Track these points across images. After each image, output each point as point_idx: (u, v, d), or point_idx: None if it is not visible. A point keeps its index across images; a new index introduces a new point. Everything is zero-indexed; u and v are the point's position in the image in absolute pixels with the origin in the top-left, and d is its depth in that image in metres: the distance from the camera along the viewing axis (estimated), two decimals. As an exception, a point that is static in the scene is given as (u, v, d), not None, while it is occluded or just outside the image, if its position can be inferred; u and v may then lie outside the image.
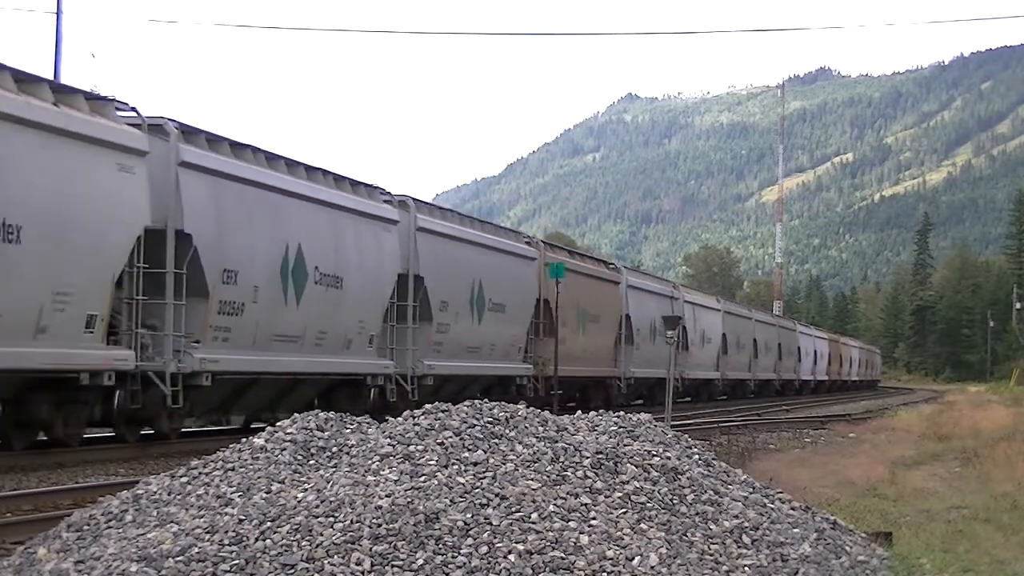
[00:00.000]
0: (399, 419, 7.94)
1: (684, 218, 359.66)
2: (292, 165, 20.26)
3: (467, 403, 8.07)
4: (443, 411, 7.90)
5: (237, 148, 18.84)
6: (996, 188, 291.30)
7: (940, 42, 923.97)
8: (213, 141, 18.26)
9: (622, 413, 9.14)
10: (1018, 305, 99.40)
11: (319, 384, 21.28)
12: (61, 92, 15.42)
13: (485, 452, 7.21)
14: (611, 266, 39.76)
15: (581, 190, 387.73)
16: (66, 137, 14.89)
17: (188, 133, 17.69)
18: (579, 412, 9.11)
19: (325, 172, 21.44)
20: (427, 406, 8.11)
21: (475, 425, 7.60)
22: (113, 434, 17.97)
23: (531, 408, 8.44)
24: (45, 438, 16.16)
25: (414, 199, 24.66)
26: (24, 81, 14.61)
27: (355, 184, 22.45)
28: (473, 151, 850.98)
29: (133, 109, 16.98)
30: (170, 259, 16.83)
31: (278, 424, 8.22)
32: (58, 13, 31.40)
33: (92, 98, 16.02)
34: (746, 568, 6.65)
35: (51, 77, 24.53)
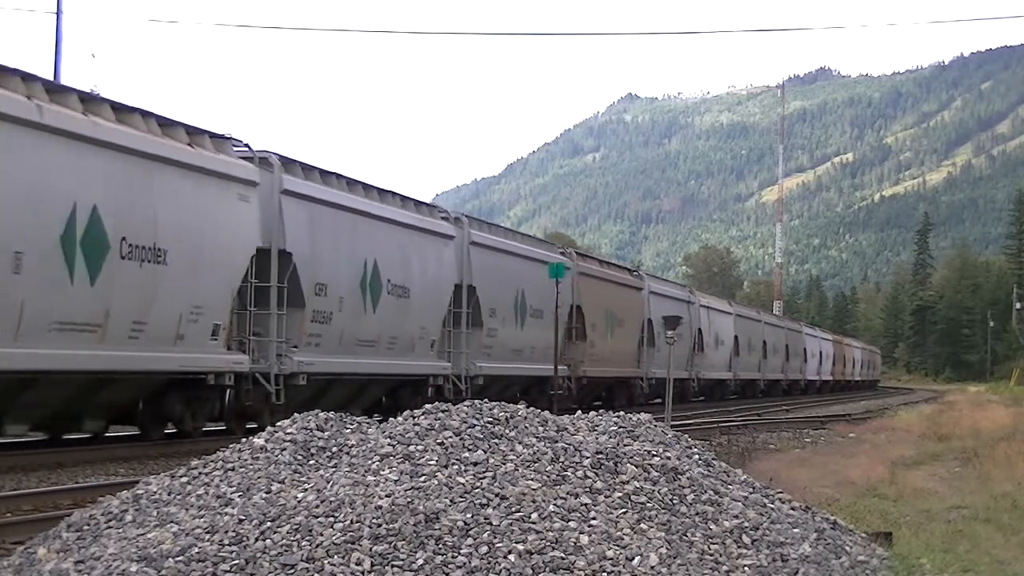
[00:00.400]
0: (399, 419, 7.94)
1: (684, 218, 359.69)
2: (367, 188, 22.76)
3: (467, 403, 8.08)
4: (443, 411, 7.90)
5: (325, 175, 21.27)
6: (996, 188, 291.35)
7: (940, 42, 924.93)
8: (306, 170, 20.71)
9: (622, 413, 9.14)
10: (1018, 305, 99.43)
11: (388, 384, 23.61)
12: (193, 133, 17.74)
13: (485, 452, 7.21)
14: (635, 273, 41.94)
15: (581, 190, 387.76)
16: (199, 173, 17.40)
17: (287, 164, 20.10)
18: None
19: (394, 194, 23.93)
20: (427, 406, 8.12)
21: (475, 425, 7.60)
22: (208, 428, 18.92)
23: (531, 408, 8.44)
24: (174, 430, 18.39)
25: (468, 216, 27.69)
26: (165, 125, 17.10)
27: (418, 204, 25.06)
28: (473, 151, 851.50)
29: (246, 145, 19.34)
30: (274, 275, 19.22)
31: (278, 424, 8.22)
32: (58, 13, 31.44)
33: (215, 136, 18.35)
34: (746, 568, 6.65)
35: (51, 77, 24.55)
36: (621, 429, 8.62)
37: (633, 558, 6.32)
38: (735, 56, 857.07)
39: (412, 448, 7.21)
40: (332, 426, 8.19)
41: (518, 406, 8.34)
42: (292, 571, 5.84)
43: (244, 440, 7.96)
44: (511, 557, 6.09)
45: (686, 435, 9.16)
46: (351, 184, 22.09)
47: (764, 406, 43.55)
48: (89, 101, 15.76)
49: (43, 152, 14.32)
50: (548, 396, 28.95)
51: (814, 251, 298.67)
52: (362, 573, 5.85)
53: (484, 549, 6.13)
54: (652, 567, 6.28)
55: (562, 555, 6.18)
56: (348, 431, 8.11)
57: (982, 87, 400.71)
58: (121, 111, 16.15)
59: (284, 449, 7.66)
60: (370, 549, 6.00)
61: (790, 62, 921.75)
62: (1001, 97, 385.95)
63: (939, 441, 22.42)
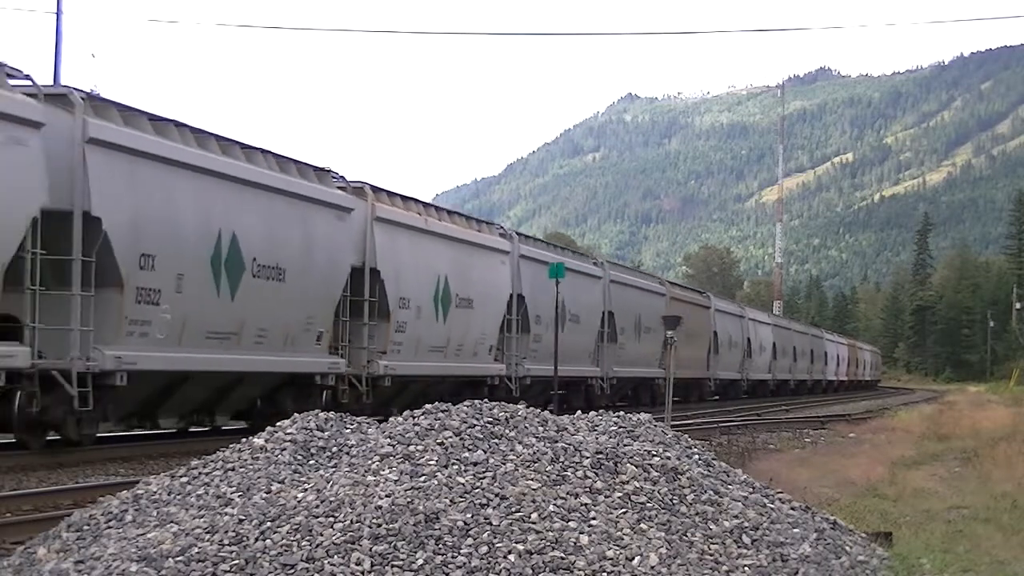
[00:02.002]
0: (399, 419, 7.94)
1: (684, 218, 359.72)
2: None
3: (467, 403, 8.07)
4: (443, 411, 7.90)
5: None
6: (996, 188, 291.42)
7: (940, 42, 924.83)
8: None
9: (622, 413, 9.15)
10: (1018, 305, 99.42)
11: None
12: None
13: (485, 452, 7.21)
14: (704, 295, 49.75)
15: (581, 190, 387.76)
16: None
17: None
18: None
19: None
20: (427, 406, 8.12)
21: (475, 425, 7.60)
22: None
23: (531, 408, 8.44)
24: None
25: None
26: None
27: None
28: (473, 151, 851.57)
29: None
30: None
31: (278, 424, 8.22)
32: (58, 13, 31.45)
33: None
34: (746, 568, 6.65)
35: (51, 77, 24.60)
36: (621, 429, 8.63)
37: (633, 558, 6.32)
38: (735, 56, 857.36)
39: (412, 448, 7.21)
40: (332, 426, 8.19)
41: (518, 406, 8.34)
42: (292, 571, 5.84)
43: (244, 440, 7.96)
44: (511, 557, 6.09)
45: (686, 435, 9.16)
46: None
47: (764, 406, 43.57)
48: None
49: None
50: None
51: (814, 251, 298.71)
52: (362, 573, 5.85)
53: (484, 549, 6.13)
54: (652, 567, 6.28)
55: (562, 555, 6.17)
56: (348, 431, 8.11)
57: (982, 87, 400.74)
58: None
59: (284, 449, 7.66)
60: (370, 549, 6.00)
61: (790, 62, 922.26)
62: (1001, 97, 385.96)
63: (939, 441, 22.40)
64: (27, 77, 16.06)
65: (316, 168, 20.90)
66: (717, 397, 48.77)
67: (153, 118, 16.86)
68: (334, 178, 21.47)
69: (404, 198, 24.07)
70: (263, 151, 19.45)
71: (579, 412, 9.32)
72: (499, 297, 27.71)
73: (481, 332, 26.72)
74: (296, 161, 20.39)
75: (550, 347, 29.56)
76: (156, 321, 16.32)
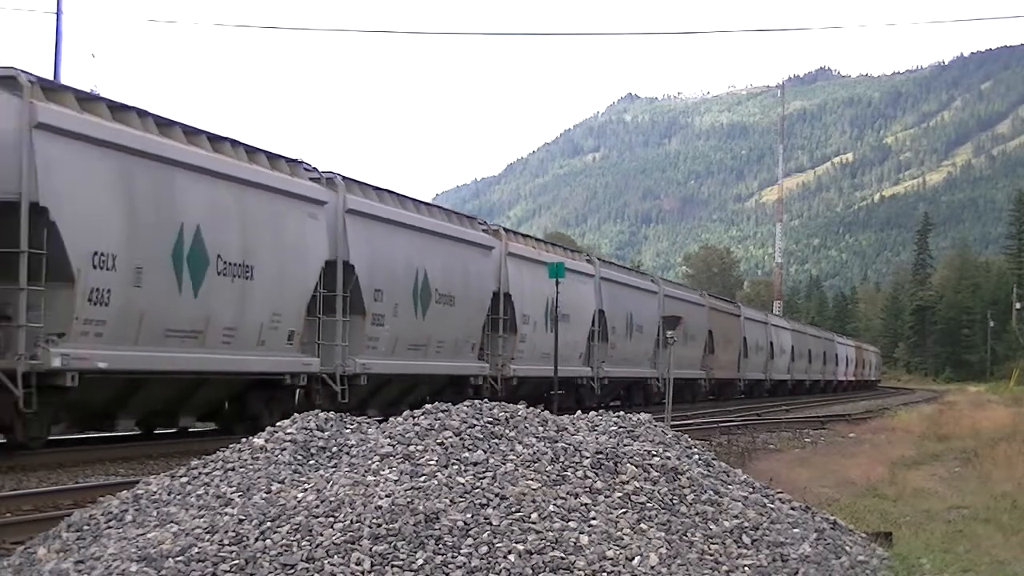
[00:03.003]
0: (399, 419, 7.94)
1: (684, 218, 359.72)
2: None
3: (467, 403, 8.07)
4: (443, 411, 7.90)
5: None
6: (996, 188, 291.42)
7: (940, 42, 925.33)
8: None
9: (622, 413, 9.14)
10: (1018, 305, 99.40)
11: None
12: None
13: (485, 452, 7.21)
14: (734, 303, 55.04)
15: (581, 190, 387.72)
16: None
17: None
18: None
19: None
20: (427, 406, 8.12)
21: (475, 425, 7.59)
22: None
23: (531, 408, 8.44)
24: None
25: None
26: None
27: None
28: (473, 151, 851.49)
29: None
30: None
31: (278, 424, 8.22)
32: (58, 13, 31.44)
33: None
34: (746, 568, 6.65)
35: (51, 77, 24.58)
36: (621, 429, 8.62)
37: (633, 558, 6.32)
38: (735, 56, 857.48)
39: (412, 448, 7.20)
40: (332, 426, 8.19)
41: (518, 406, 8.33)
42: (292, 571, 5.84)
43: (244, 440, 7.96)
44: (511, 557, 6.09)
45: (686, 435, 9.16)
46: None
47: (765, 406, 43.56)
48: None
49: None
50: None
51: (814, 251, 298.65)
52: (362, 573, 5.85)
53: (484, 549, 6.13)
54: (652, 567, 6.28)
55: (562, 555, 6.17)
56: (348, 431, 8.11)
57: (982, 87, 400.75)
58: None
59: (284, 449, 7.66)
60: (370, 549, 6.00)
61: (790, 62, 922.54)
62: (1001, 97, 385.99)
63: (939, 441, 22.39)
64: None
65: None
66: (743, 396, 54.00)
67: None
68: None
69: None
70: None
71: (579, 412, 9.32)
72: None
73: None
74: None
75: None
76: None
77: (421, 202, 25.14)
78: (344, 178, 21.64)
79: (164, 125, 17.09)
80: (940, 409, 38.66)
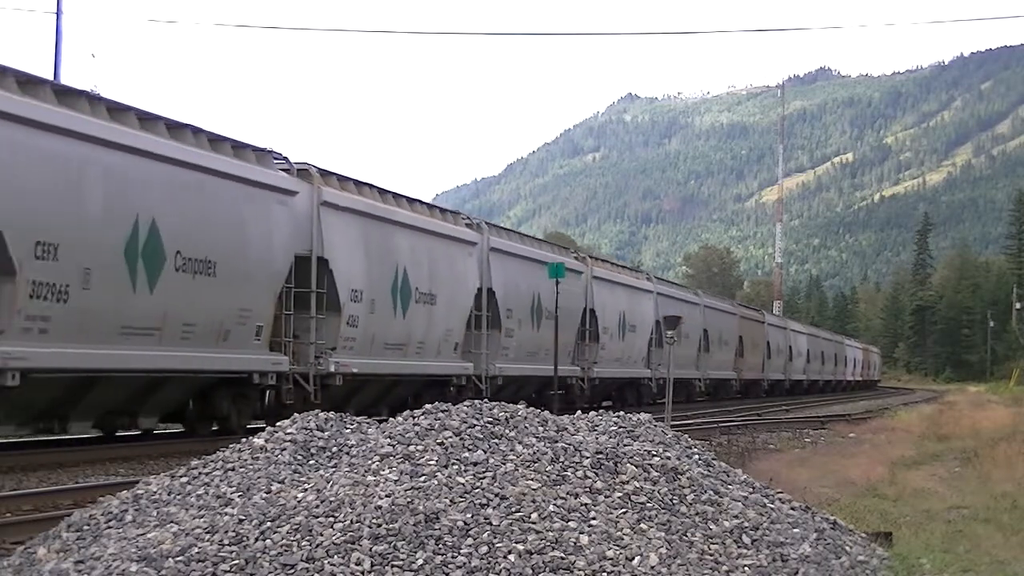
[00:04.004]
0: (399, 419, 7.94)
1: (684, 218, 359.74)
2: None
3: (467, 403, 8.07)
4: (443, 411, 7.90)
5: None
6: (996, 188, 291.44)
7: (940, 42, 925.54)
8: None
9: (622, 413, 9.14)
10: (1018, 305, 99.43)
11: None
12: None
13: (485, 452, 7.21)
14: (759, 311, 60.18)
15: (581, 190, 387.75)
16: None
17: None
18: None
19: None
20: (427, 406, 8.12)
21: (475, 425, 7.59)
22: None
23: (531, 408, 8.44)
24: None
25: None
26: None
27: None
28: (473, 151, 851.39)
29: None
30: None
31: (278, 424, 8.22)
32: (58, 13, 31.45)
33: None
34: (746, 568, 6.65)
35: (51, 77, 24.58)
36: (621, 429, 8.62)
37: (633, 558, 6.32)
38: (735, 56, 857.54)
39: (412, 448, 7.20)
40: (332, 426, 8.19)
41: (518, 406, 8.34)
42: (292, 571, 5.84)
43: (244, 440, 7.96)
44: (511, 557, 6.09)
45: (686, 435, 9.16)
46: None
47: (765, 406, 43.56)
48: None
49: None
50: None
51: (814, 251, 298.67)
52: (362, 573, 5.85)
53: (484, 549, 6.13)
54: (652, 567, 6.28)
55: (562, 555, 6.17)
56: (348, 431, 8.11)
57: (982, 87, 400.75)
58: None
59: (284, 449, 7.66)
60: (370, 549, 6.00)
61: (790, 62, 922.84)
62: (1001, 97, 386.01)
63: (939, 441, 22.39)
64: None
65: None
66: (765, 394, 58.32)
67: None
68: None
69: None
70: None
71: (579, 412, 9.32)
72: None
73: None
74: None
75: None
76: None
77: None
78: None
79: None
80: (940, 409, 38.65)
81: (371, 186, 22.67)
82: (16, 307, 14.09)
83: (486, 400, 8.30)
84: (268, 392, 19.39)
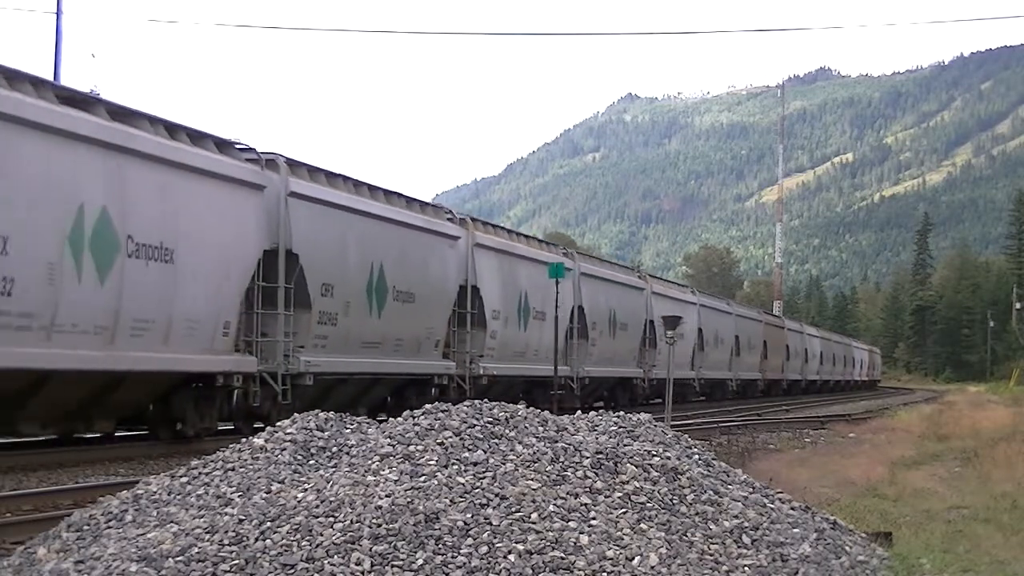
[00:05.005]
0: (399, 419, 7.94)
1: (684, 218, 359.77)
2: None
3: (467, 403, 8.07)
4: (443, 411, 7.90)
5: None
6: (996, 188, 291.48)
7: (940, 42, 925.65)
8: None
9: (622, 413, 9.14)
10: (1018, 305, 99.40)
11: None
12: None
13: (485, 452, 7.21)
14: (779, 317, 66.93)
15: (581, 190, 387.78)
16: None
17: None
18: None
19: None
20: (427, 406, 8.12)
21: (475, 425, 7.59)
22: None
23: (531, 408, 8.44)
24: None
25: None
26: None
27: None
28: (473, 151, 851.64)
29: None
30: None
31: (278, 424, 8.22)
32: (58, 13, 31.43)
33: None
34: (746, 568, 6.65)
35: (51, 77, 24.56)
36: (621, 429, 8.62)
37: (633, 558, 6.32)
38: (735, 56, 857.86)
39: (412, 448, 7.20)
40: (332, 426, 8.19)
41: (518, 406, 8.34)
42: (292, 571, 5.84)
43: (244, 440, 7.96)
44: (511, 557, 6.09)
45: (686, 435, 9.16)
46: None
47: (765, 406, 43.57)
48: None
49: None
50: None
51: (814, 251, 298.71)
52: (362, 573, 5.85)
53: (484, 549, 6.13)
54: (652, 567, 6.28)
55: (562, 555, 6.17)
56: (348, 431, 8.11)
57: (982, 87, 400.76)
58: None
59: (284, 449, 7.66)
60: (370, 549, 6.00)
61: (790, 62, 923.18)
62: (1001, 97, 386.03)
63: (939, 441, 22.39)
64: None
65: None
66: (784, 392, 63.53)
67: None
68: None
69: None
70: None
71: (579, 412, 9.32)
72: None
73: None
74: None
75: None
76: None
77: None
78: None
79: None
80: (940, 409, 38.65)
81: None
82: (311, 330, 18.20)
83: (486, 401, 8.29)
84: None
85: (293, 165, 19.84)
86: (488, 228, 28.41)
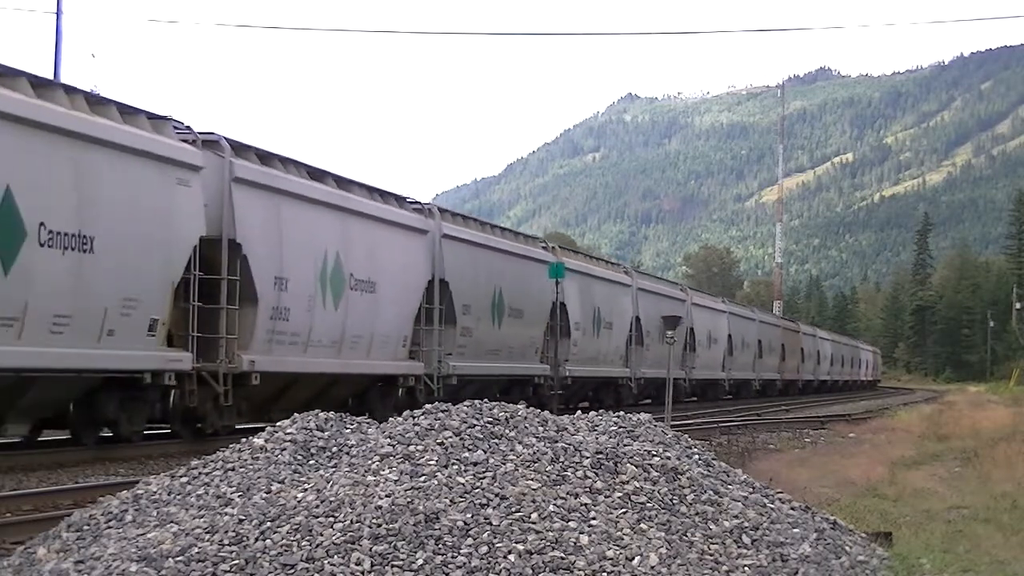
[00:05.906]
0: (399, 419, 7.94)
1: (684, 218, 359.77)
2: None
3: (467, 403, 8.07)
4: (443, 411, 7.90)
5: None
6: (996, 188, 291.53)
7: (940, 42, 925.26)
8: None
9: (622, 413, 9.14)
10: (1018, 305, 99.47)
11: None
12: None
13: (485, 452, 7.21)
14: (793, 320, 74.67)
15: (581, 190, 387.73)
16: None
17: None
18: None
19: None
20: (427, 406, 8.12)
21: (475, 425, 7.59)
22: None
23: (531, 408, 8.44)
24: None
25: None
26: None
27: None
28: (473, 151, 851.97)
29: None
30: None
31: (278, 424, 8.22)
32: (58, 13, 31.47)
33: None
34: (746, 568, 6.65)
35: (51, 77, 24.55)
36: (621, 429, 8.62)
37: (633, 558, 6.32)
38: (735, 56, 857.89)
39: (412, 448, 7.21)
40: (332, 426, 8.19)
41: (518, 406, 8.34)
42: (292, 571, 5.84)
43: (244, 440, 7.96)
44: (511, 557, 6.09)
45: (686, 435, 9.16)
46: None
47: (765, 406, 43.59)
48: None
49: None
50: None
51: (814, 251, 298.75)
52: (362, 573, 5.85)
53: (484, 549, 6.13)
54: (652, 567, 6.28)
55: (562, 555, 6.17)
56: (348, 431, 8.11)
57: (982, 87, 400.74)
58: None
59: (284, 449, 7.66)
60: (370, 549, 6.00)
61: (790, 62, 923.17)
62: (1001, 97, 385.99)
63: (939, 441, 22.39)
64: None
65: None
66: (799, 392, 67.23)
67: None
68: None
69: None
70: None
71: (578, 413, 9.31)
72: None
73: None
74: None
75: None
76: None
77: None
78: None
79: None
80: (940, 409, 38.66)
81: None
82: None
83: (485, 401, 8.29)
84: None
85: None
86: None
